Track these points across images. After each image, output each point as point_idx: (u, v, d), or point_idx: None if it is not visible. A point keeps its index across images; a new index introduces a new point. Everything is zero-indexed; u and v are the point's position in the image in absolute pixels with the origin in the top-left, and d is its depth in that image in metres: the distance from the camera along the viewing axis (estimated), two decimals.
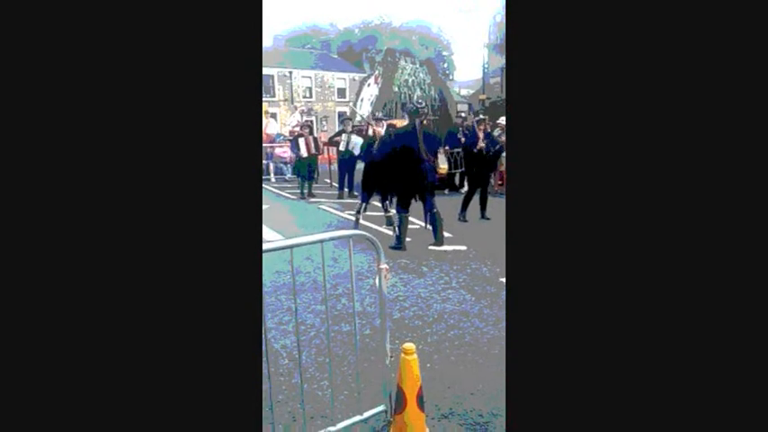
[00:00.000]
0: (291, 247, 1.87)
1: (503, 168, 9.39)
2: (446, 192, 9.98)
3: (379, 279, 2.15)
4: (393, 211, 6.06)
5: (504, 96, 27.66)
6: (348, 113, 14.70)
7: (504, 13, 29.57)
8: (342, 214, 7.92)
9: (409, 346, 2.11)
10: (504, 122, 9.31)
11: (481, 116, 8.40)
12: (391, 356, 2.25)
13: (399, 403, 2.16)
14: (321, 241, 1.97)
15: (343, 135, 9.61)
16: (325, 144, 11.22)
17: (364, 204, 6.61)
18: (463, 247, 5.66)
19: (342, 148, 9.52)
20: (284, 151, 12.37)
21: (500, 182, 9.66)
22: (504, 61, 28.74)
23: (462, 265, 5.02)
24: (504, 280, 4.42)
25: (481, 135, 7.15)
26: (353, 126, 9.66)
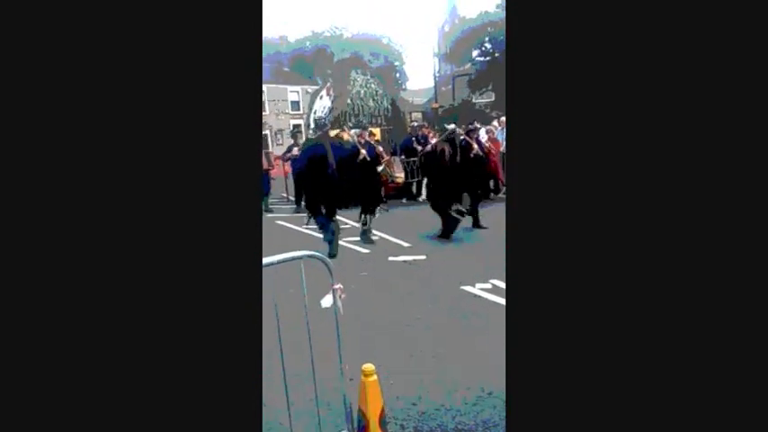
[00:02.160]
0: None
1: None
2: (404, 201, 10.03)
3: (334, 299, 2.08)
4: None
5: (455, 104, 28.18)
6: (299, 127, 14.54)
7: (450, 22, 30.19)
8: (300, 228, 7.78)
9: (368, 366, 2.04)
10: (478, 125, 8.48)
11: (476, 125, 7.66)
12: (351, 378, 2.17)
13: (361, 426, 2.09)
14: (270, 264, 1.87)
15: (294, 149, 9.45)
16: (277, 159, 11.05)
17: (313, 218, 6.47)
18: (423, 257, 5.64)
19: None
20: None
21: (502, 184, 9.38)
22: (452, 69, 29.32)
23: (422, 276, 5.00)
24: (464, 288, 4.42)
25: (475, 145, 6.71)
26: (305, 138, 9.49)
